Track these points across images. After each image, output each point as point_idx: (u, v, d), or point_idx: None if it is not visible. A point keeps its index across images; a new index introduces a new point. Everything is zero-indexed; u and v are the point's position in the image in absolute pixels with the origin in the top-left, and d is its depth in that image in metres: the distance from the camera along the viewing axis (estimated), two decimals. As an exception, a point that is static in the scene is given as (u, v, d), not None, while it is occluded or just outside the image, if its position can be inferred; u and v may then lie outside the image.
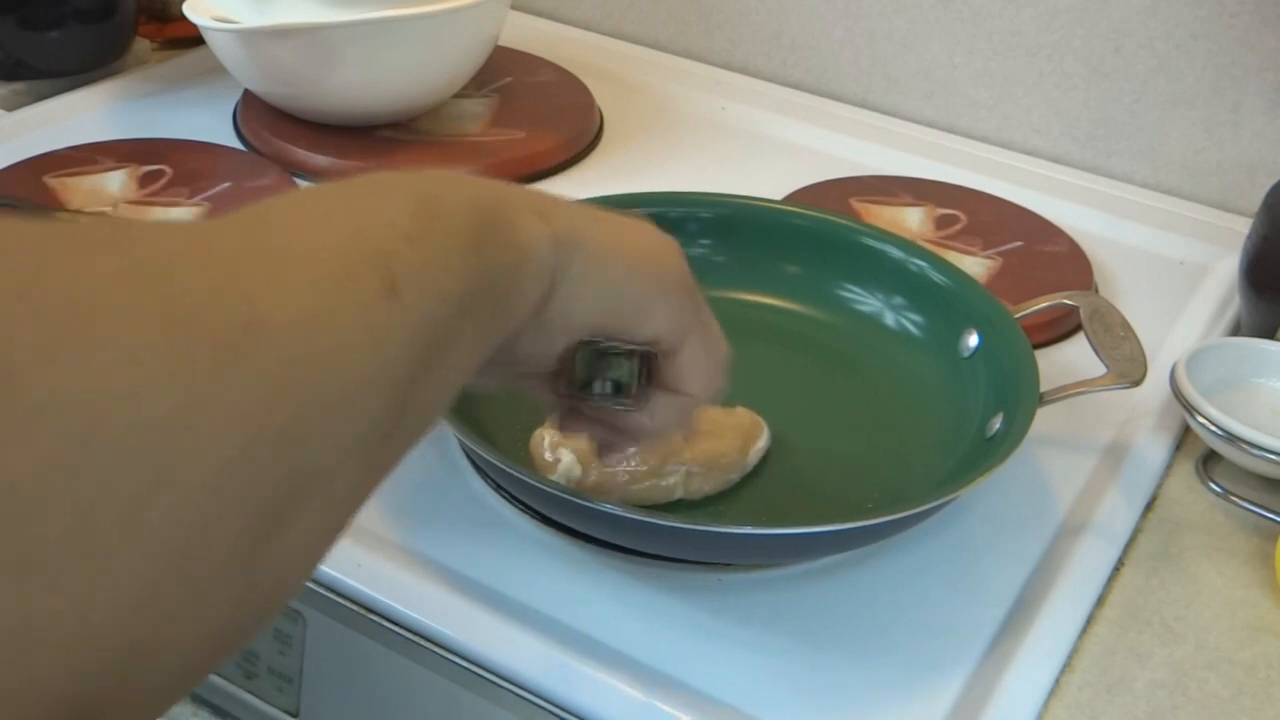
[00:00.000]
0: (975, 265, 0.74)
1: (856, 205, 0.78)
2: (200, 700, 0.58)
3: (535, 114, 0.87)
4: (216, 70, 0.84)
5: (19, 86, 0.86)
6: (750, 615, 0.51)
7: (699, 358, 0.44)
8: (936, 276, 0.65)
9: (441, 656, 0.50)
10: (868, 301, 0.67)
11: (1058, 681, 0.49)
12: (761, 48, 0.98)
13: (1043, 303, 0.63)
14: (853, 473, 0.58)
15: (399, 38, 0.76)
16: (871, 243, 0.67)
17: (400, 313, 0.30)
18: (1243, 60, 0.82)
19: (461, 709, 0.50)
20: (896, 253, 0.66)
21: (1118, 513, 0.57)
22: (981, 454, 0.55)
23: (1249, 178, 0.84)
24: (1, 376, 0.22)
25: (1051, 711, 0.48)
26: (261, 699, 0.55)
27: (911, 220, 0.78)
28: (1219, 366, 0.62)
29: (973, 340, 0.62)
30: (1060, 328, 0.69)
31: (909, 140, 0.90)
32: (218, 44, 0.79)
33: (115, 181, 0.76)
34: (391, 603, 0.51)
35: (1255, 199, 0.69)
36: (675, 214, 0.67)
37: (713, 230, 0.68)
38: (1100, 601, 0.53)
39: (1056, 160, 0.89)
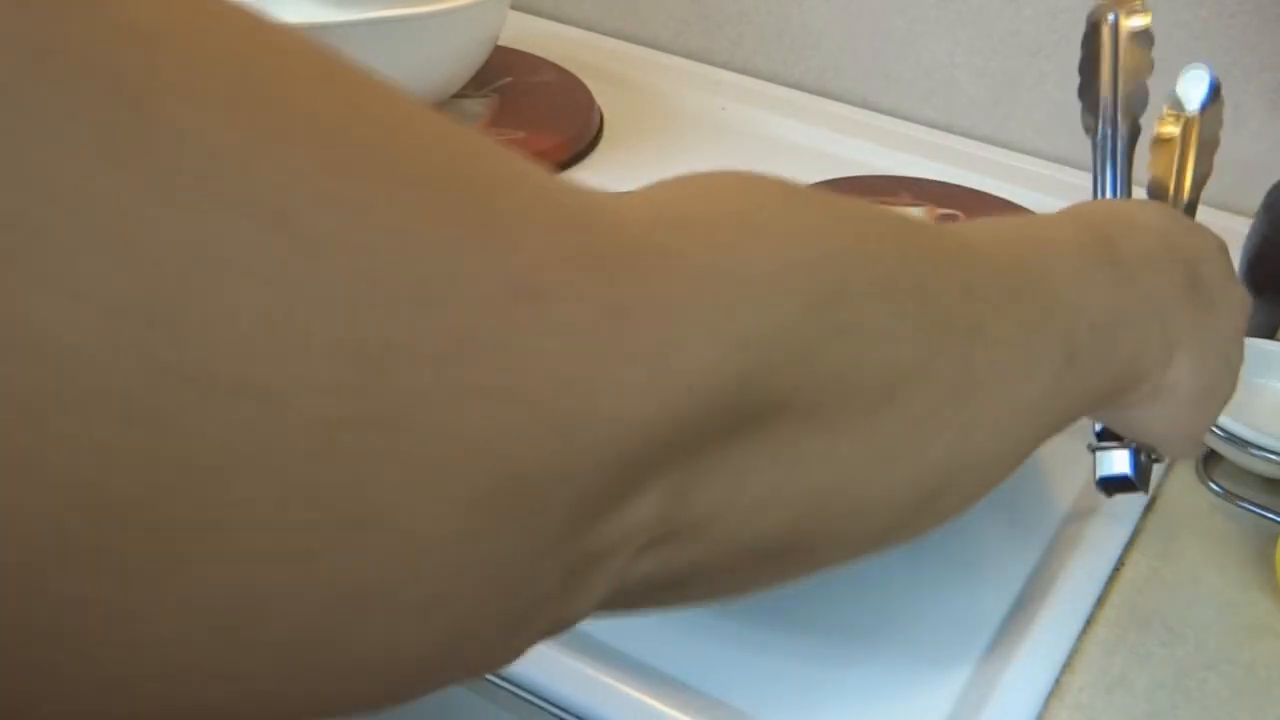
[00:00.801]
0: (975, 265, 0.74)
1: (856, 205, 0.78)
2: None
3: (535, 114, 0.87)
4: (216, 70, 0.84)
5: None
6: (750, 615, 0.51)
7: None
8: None
9: (441, 656, 0.50)
10: None
11: (1058, 681, 0.49)
12: (762, 48, 0.98)
13: None
14: None
15: (399, 38, 0.76)
16: None
17: (1071, 381, 0.36)
18: (1243, 60, 0.82)
19: (461, 709, 0.50)
20: None
21: (1117, 512, 0.57)
22: None
23: (1249, 178, 0.84)
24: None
25: (1051, 711, 0.48)
26: (261, 699, 0.55)
27: (911, 220, 0.78)
28: (1219, 366, 0.62)
29: None
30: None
31: (909, 140, 0.90)
32: (218, 44, 0.79)
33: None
34: (391, 603, 0.50)
35: (1255, 199, 0.69)
36: None
37: None
38: (1100, 601, 0.53)
39: (1056, 160, 0.89)
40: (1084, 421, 0.63)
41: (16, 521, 0.16)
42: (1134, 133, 0.54)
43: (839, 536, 0.30)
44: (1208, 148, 0.55)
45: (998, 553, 0.55)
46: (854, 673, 0.49)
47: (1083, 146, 0.80)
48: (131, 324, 0.16)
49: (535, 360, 0.20)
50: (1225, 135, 0.84)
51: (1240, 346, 0.46)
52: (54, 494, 0.16)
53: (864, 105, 0.95)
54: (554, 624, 0.24)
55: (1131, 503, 0.58)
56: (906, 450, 0.29)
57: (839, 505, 0.28)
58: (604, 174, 0.83)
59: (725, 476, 0.25)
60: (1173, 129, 0.54)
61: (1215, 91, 0.55)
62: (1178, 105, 0.55)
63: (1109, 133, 0.53)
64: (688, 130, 0.90)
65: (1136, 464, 0.51)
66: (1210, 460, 0.61)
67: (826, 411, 0.26)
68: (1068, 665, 0.50)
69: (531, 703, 0.48)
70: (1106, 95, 0.54)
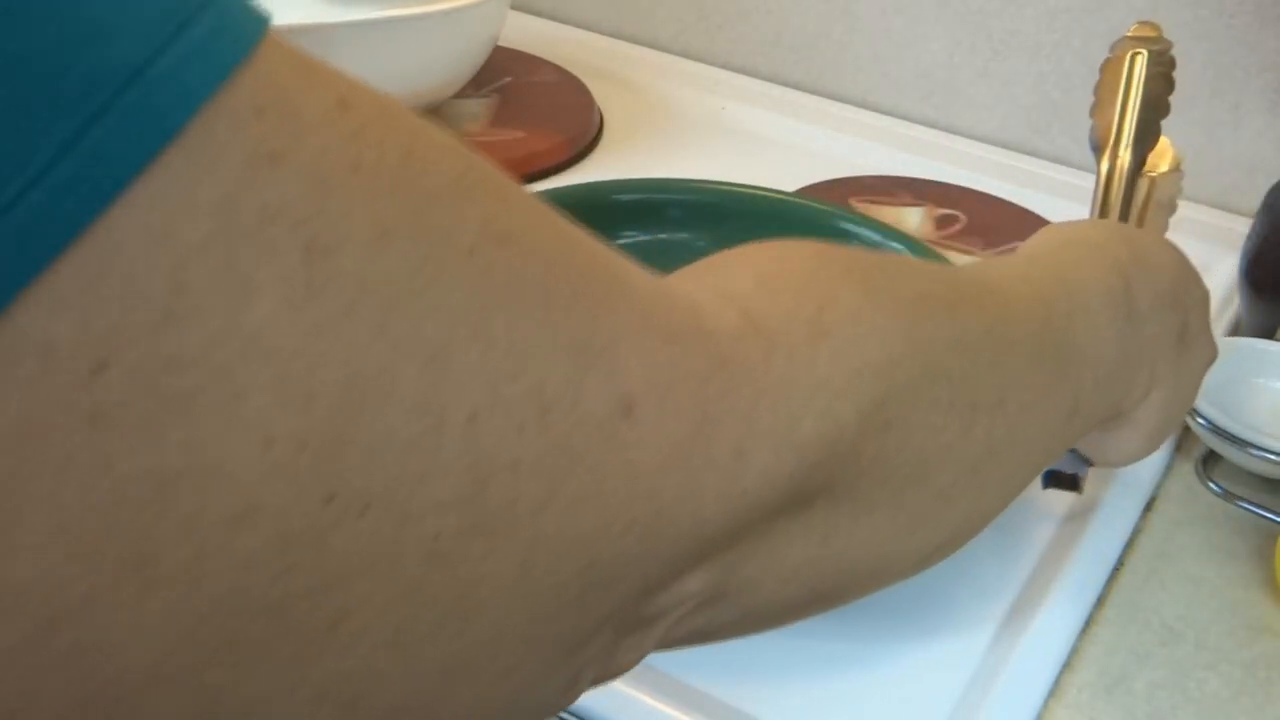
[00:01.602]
0: (975, 265, 0.74)
1: (856, 205, 0.78)
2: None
3: (535, 114, 0.87)
4: (216, 70, 0.84)
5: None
6: (750, 615, 0.51)
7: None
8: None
9: (441, 656, 0.50)
10: None
11: (1058, 681, 0.49)
12: (761, 48, 0.98)
13: None
14: None
15: (399, 38, 0.76)
16: (849, 226, 0.68)
17: (1070, 430, 0.39)
18: (1243, 60, 0.82)
19: (461, 709, 0.50)
20: (873, 236, 0.67)
21: (1117, 513, 0.57)
22: None
23: (1249, 178, 0.84)
24: None
25: (1051, 711, 0.48)
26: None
27: (911, 220, 0.78)
28: (1219, 366, 0.62)
29: None
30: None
31: (909, 140, 0.90)
32: (218, 44, 0.79)
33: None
34: (391, 603, 0.50)
35: (1255, 199, 0.69)
36: (659, 200, 0.68)
37: (695, 216, 0.69)
38: (1100, 601, 0.53)
39: (1056, 160, 0.89)
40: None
41: (180, 624, 0.18)
42: (1140, 164, 0.56)
43: (861, 590, 0.33)
44: (1164, 208, 0.58)
45: (997, 553, 0.55)
46: (854, 673, 0.49)
47: (1082, 146, 0.80)
48: (285, 451, 0.18)
49: (630, 470, 0.22)
50: (1225, 135, 0.84)
51: (1196, 390, 0.48)
52: (209, 601, 0.18)
53: (864, 105, 0.95)
54: (602, 677, 0.27)
55: (1131, 503, 0.58)
56: (931, 518, 0.32)
57: (865, 567, 0.31)
58: (604, 174, 0.83)
59: (767, 551, 0.27)
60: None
61: (1176, 165, 0.58)
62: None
63: (1113, 161, 0.55)
64: (688, 130, 0.90)
65: (1076, 465, 0.52)
66: (1210, 460, 0.61)
67: (863, 492, 0.29)
68: (1068, 665, 0.50)
69: (531, 703, 0.48)
70: (1119, 125, 0.55)
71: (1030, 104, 0.89)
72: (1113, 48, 0.57)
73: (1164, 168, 0.57)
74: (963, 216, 0.79)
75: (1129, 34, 0.57)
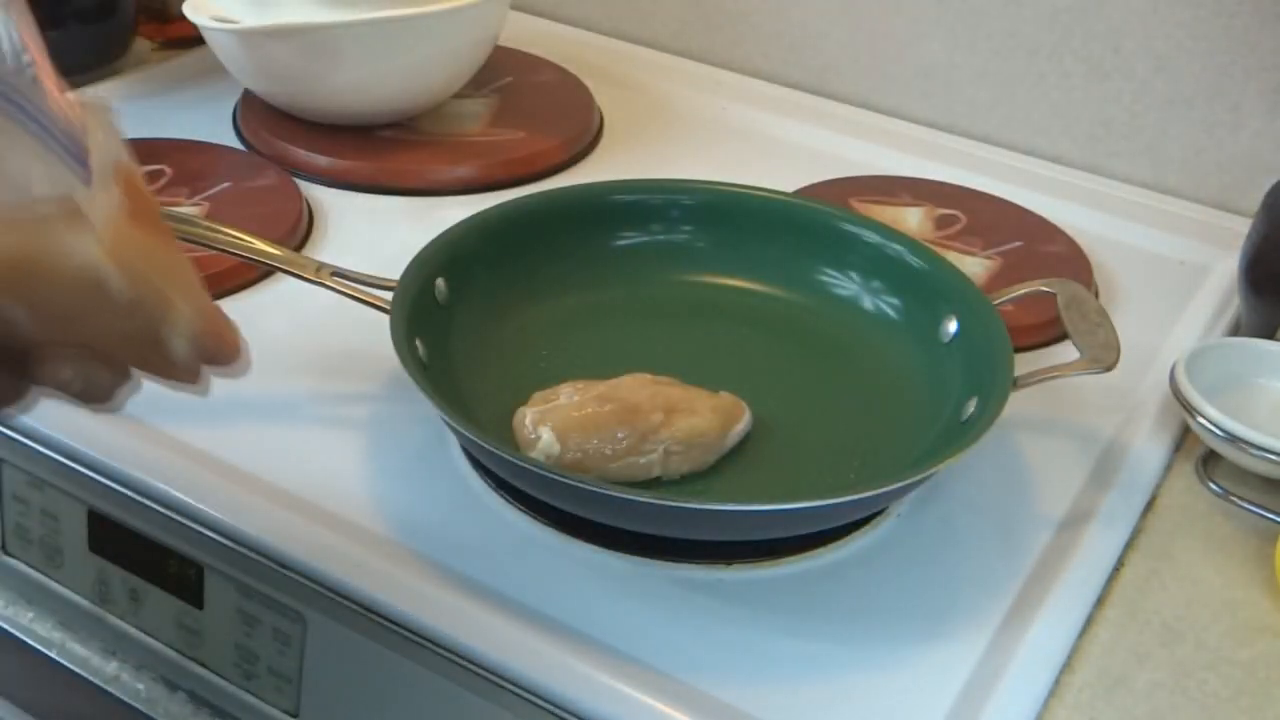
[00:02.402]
0: (975, 265, 0.74)
1: (857, 205, 0.78)
2: (200, 700, 0.58)
3: (535, 114, 0.87)
4: (216, 70, 0.84)
5: (19, 86, 0.86)
6: (751, 615, 0.51)
7: None
8: (913, 261, 0.65)
9: (441, 656, 0.50)
10: (846, 285, 0.68)
11: (1058, 681, 0.49)
12: (761, 48, 0.98)
13: (1020, 289, 0.63)
14: (831, 455, 0.58)
15: (399, 38, 0.76)
16: (848, 227, 0.68)
17: None
18: (1243, 60, 0.82)
19: (461, 708, 0.50)
20: (873, 237, 0.67)
21: (1117, 513, 0.57)
22: (955, 437, 0.55)
23: (1249, 178, 0.84)
24: None
25: (1051, 711, 0.48)
26: (261, 699, 0.55)
27: (911, 220, 0.78)
28: (1219, 366, 0.62)
29: (952, 326, 0.62)
30: (1053, 331, 0.68)
31: (909, 140, 0.90)
32: (217, 44, 0.79)
33: (115, 181, 0.76)
34: (391, 602, 0.50)
35: (1255, 199, 0.69)
36: (657, 201, 0.69)
37: (694, 216, 0.69)
38: (1100, 601, 0.53)
39: (1056, 160, 0.89)
40: (1084, 430, 0.63)
41: None
42: None
43: None
44: None
45: (997, 554, 0.55)
46: (855, 673, 0.49)
47: (1081, 146, 0.80)
48: None
49: None
50: (1225, 135, 0.84)
51: None
52: None
53: (864, 105, 0.95)
54: None
55: (1131, 503, 0.58)
56: None
57: None
58: (604, 174, 0.83)
59: None
60: None
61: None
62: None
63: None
64: (688, 130, 0.90)
65: None
66: (1210, 460, 0.61)
67: None
68: (1068, 665, 0.50)
69: (532, 702, 0.48)
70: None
71: (1030, 104, 0.89)
72: None
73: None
74: (963, 216, 0.79)
75: None
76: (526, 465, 0.51)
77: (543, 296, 0.66)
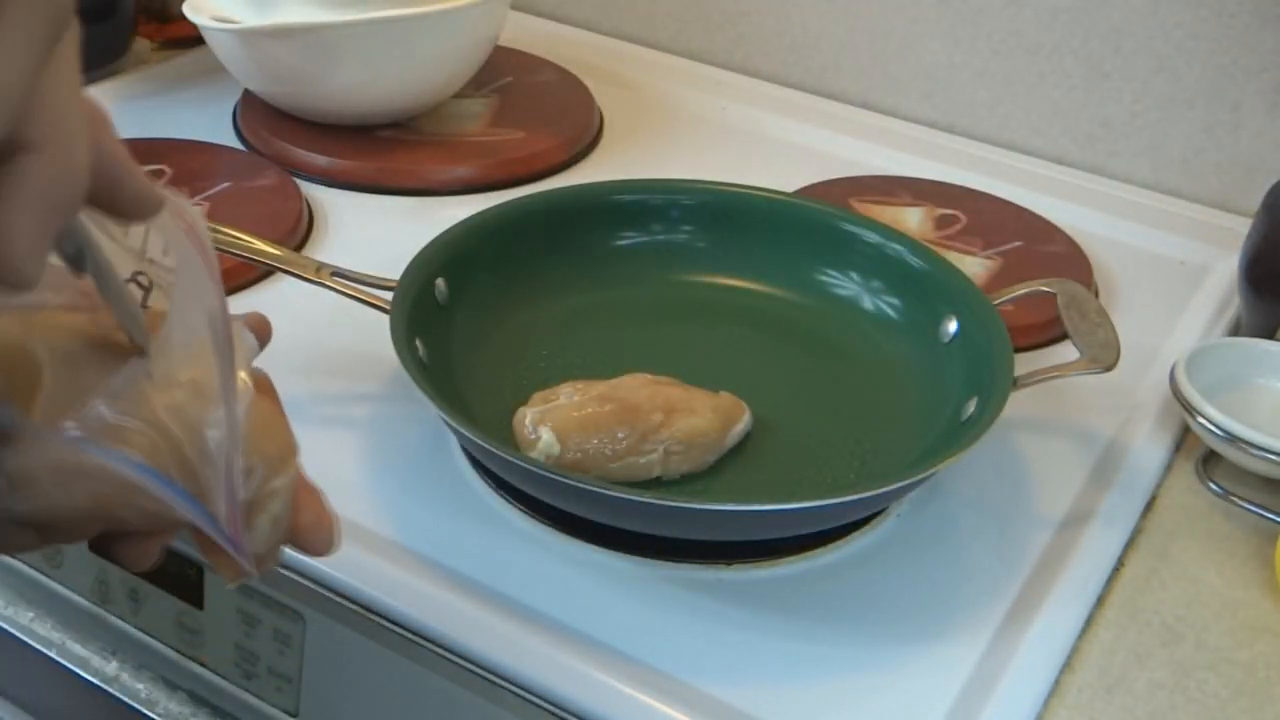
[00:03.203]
0: (975, 265, 0.74)
1: (857, 205, 0.78)
2: (200, 700, 0.58)
3: (535, 114, 0.87)
4: (216, 70, 0.84)
5: (19, 86, 0.86)
6: (751, 615, 0.51)
7: None
8: (913, 261, 0.65)
9: (441, 656, 0.50)
10: (846, 285, 0.68)
11: (1058, 681, 0.49)
12: (761, 48, 0.98)
13: (1020, 289, 0.63)
14: (831, 455, 0.58)
15: (399, 38, 0.76)
16: (849, 227, 0.68)
17: None
18: (1243, 60, 0.82)
19: (461, 709, 0.50)
20: (873, 237, 0.67)
21: (1117, 513, 0.57)
22: (955, 437, 0.55)
23: (1249, 178, 0.84)
24: None
25: (1051, 711, 0.48)
26: (261, 699, 0.55)
27: (911, 220, 0.78)
28: (1219, 366, 0.62)
29: (952, 326, 0.62)
30: (1053, 331, 0.69)
31: (909, 140, 0.90)
32: (217, 44, 0.79)
33: (115, 181, 0.76)
34: (391, 602, 0.51)
35: (1255, 199, 0.69)
36: (657, 201, 0.69)
37: (694, 217, 0.69)
38: (1100, 601, 0.53)
39: (1056, 160, 0.89)
40: (1084, 430, 0.63)
41: None
42: None
43: None
44: None
45: (997, 554, 0.55)
46: (855, 674, 0.49)
47: (1081, 146, 0.80)
48: None
49: None
50: (1225, 135, 0.84)
51: None
52: None
53: (864, 105, 0.95)
54: None
55: (1131, 503, 0.58)
56: None
57: None
58: (604, 174, 0.83)
59: None
60: None
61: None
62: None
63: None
64: (688, 130, 0.90)
65: None
66: (1210, 460, 0.61)
67: None
68: (1068, 665, 0.50)
69: (531, 702, 0.48)
70: None
71: (1030, 104, 0.89)
72: None
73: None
74: (963, 216, 0.79)
75: None
76: (526, 465, 0.51)
77: (542, 296, 0.66)
